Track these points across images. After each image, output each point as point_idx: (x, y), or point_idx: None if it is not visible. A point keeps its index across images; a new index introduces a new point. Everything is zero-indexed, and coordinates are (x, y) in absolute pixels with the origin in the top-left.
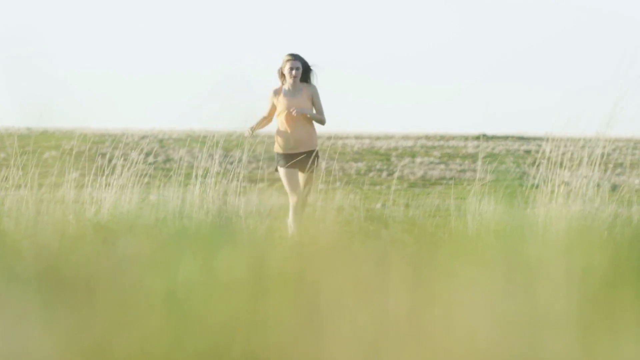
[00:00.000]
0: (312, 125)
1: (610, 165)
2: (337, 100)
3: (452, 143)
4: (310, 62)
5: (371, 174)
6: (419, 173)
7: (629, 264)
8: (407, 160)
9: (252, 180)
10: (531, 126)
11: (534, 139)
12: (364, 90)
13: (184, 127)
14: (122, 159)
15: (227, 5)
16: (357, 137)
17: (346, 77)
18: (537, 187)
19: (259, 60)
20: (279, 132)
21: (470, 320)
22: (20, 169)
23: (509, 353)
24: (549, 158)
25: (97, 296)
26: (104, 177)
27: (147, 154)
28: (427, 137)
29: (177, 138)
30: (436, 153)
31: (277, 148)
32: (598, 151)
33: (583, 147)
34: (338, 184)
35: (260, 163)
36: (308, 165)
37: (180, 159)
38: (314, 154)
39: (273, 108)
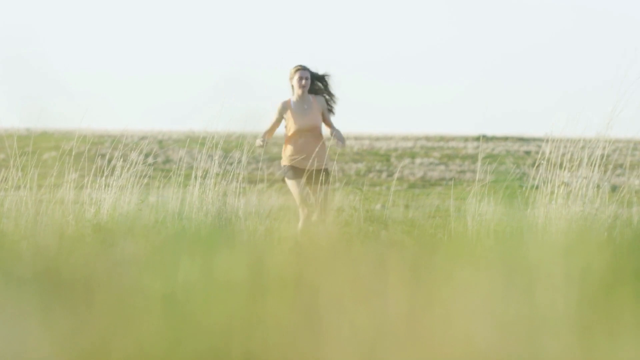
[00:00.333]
0: (324, 141)
1: (610, 166)
2: (336, 100)
3: (451, 144)
4: (323, 70)
5: (371, 175)
6: (419, 174)
7: (629, 265)
8: (406, 161)
9: (251, 181)
10: (531, 127)
11: (534, 139)
12: (364, 91)
13: (184, 128)
14: (122, 159)
15: (226, 6)
16: (356, 138)
17: (346, 78)
18: (536, 188)
19: (259, 61)
20: (290, 149)
21: (469, 322)
22: (19, 169)
23: (509, 354)
24: (548, 159)
25: (95, 297)
26: (104, 178)
27: (147, 155)
28: (427, 138)
29: (177, 139)
30: (436, 154)
31: (286, 161)
32: (598, 152)
33: (583, 148)
34: (338, 185)
35: (260, 164)
36: (320, 182)
37: (180, 160)
38: (325, 171)
39: (279, 121)
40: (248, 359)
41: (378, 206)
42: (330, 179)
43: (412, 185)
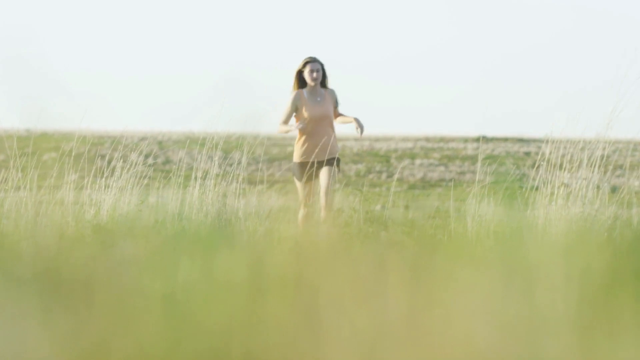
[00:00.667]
0: (334, 132)
1: (610, 167)
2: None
3: (451, 145)
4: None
5: (371, 176)
6: (419, 175)
7: (629, 266)
8: (406, 162)
9: (251, 182)
10: (531, 128)
11: (534, 140)
12: (363, 92)
13: (184, 129)
14: (122, 160)
15: (226, 6)
16: (356, 139)
17: (345, 79)
18: (536, 189)
19: (259, 61)
20: (303, 140)
21: (469, 323)
22: (19, 170)
23: (509, 355)
24: (548, 160)
25: (95, 297)
26: (103, 179)
27: (147, 156)
28: (427, 139)
29: (177, 140)
30: (436, 155)
31: (298, 157)
32: (598, 153)
33: (583, 148)
34: (337, 185)
35: (260, 165)
36: (328, 167)
37: (180, 161)
38: (335, 160)
39: (292, 113)
40: (248, 359)
41: (378, 207)
42: (339, 168)
43: (412, 186)
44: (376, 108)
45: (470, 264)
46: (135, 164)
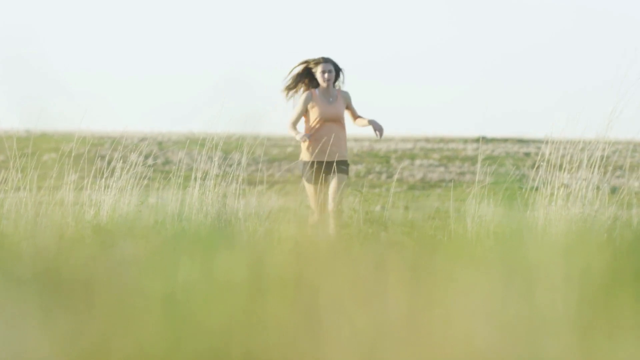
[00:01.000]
0: (345, 134)
1: (610, 168)
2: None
3: (451, 145)
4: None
5: (370, 177)
6: (418, 175)
7: (629, 267)
8: (406, 162)
9: (251, 182)
10: (530, 128)
11: (534, 141)
12: (363, 92)
13: (183, 129)
14: (121, 161)
15: (226, 6)
16: (356, 140)
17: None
18: (536, 189)
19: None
20: (312, 141)
21: (469, 323)
22: (19, 171)
23: (508, 355)
24: (548, 160)
25: (95, 298)
26: (103, 180)
27: (146, 156)
28: (427, 140)
29: (176, 140)
30: (435, 155)
31: (306, 156)
32: (597, 153)
33: (582, 149)
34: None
35: (260, 166)
36: (338, 170)
37: (180, 161)
38: (344, 162)
39: (303, 113)
40: (248, 359)
41: (378, 208)
42: (348, 170)
43: (411, 187)
44: (376, 108)
45: (470, 265)
46: (135, 164)
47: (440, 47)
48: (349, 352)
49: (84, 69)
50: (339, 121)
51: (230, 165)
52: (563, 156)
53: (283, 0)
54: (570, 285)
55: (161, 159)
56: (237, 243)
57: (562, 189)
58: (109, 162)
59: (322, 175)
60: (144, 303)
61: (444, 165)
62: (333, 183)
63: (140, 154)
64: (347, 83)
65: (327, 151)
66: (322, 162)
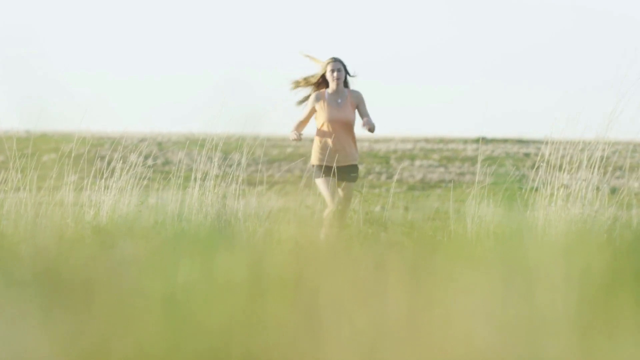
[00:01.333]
0: (355, 137)
1: (610, 168)
2: None
3: (451, 146)
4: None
5: (370, 177)
6: (418, 176)
7: (628, 267)
8: (406, 163)
9: (251, 183)
10: (530, 129)
11: (533, 141)
12: (363, 92)
13: (183, 130)
14: (121, 161)
15: (226, 7)
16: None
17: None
18: (536, 190)
19: (259, 61)
20: (320, 143)
21: (469, 324)
22: (19, 171)
23: (508, 355)
24: (548, 161)
25: (95, 298)
26: (103, 180)
27: (146, 157)
28: (427, 140)
29: (176, 141)
30: (435, 156)
31: (316, 160)
32: (597, 154)
33: (582, 149)
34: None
35: (260, 166)
36: (348, 178)
37: (179, 162)
38: (354, 167)
39: (312, 113)
40: (248, 359)
41: (377, 208)
42: (357, 177)
43: (411, 187)
44: (376, 108)
45: (470, 265)
46: (135, 165)
47: (440, 47)
48: (349, 352)
49: (84, 69)
50: (346, 124)
51: (230, 166)
52: (563, 157)
53: (283, 0)
54: (570, 286)
55: (161, 159)
56: (237, 243)
57: (562, 190)
58: (109, 163)
59: (334, 172)
60: (144, 303)
61: (444, 166)
62: (340, 192)
63: (140, 154)
64: (347, 83)
65: (336, 157)
66: (331, 166)
